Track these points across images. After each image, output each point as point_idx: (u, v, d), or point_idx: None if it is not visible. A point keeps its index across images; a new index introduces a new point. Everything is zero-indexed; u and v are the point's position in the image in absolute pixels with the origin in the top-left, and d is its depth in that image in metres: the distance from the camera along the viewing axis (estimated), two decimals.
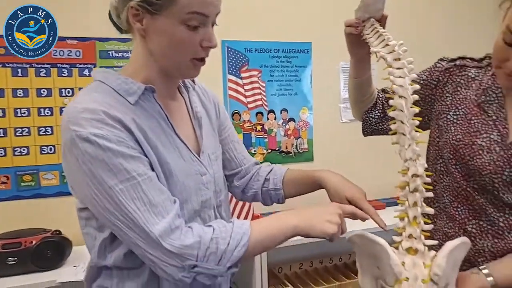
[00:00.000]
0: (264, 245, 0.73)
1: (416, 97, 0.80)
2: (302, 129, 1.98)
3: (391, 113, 0.82)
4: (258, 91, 1.86)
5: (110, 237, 0.71)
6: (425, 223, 0.80)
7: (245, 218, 1.70)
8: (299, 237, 1.73)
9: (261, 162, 1.04)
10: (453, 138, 0.91)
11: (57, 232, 1.35)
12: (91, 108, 0.65)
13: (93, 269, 0.76)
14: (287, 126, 1.95)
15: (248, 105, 1.85)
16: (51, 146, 1.52)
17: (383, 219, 0.90)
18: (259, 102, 1.87)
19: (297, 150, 1.96)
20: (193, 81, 0.88)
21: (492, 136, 0.87)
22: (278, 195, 0.97)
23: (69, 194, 1.51)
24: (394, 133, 0.81)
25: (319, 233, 0.76)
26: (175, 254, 0.65)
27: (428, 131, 1.04)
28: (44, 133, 1.50)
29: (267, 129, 1.90)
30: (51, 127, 1.52)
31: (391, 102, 0.81)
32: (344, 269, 1.88)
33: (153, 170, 0.69)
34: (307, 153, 1.99)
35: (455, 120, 0.93)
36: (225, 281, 0.84)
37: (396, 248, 0.83)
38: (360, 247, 0.85)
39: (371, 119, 1.07)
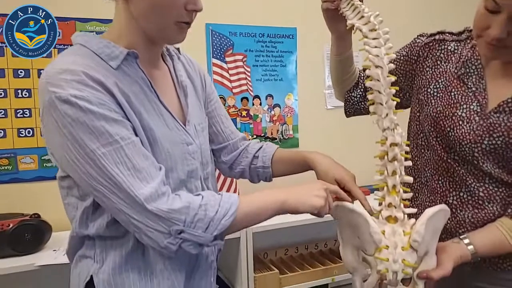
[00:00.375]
0: (252, 218, 0.72)
1: (392, 66, 0.80)
2: (287, 115, 1.97)
3: (367, 83, 0.81)
4: (243, 76, 1.85)
5: (92, 206, 0.69)
6: (404, 191, 0.81)
7: None
8: (285, 220, 1.73)
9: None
10: (434, 111, 0.91)
11: (36, 216, 1.32)
12: (71, 69, 0.62)
13: (75, 239, 0.74)
14: (272, 112, 1.94)
15: (233, 90, 1.83)
16: (29, 129, 1.48)
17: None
18: (244, 87, 1.85)
19: (282, 136, 1.96)
20: (178, 50, 0.86)
21: (472, 107, 0.88)
22: (266, 173, 0.95)
23: (49, 179, 1.51)
24: (372, 103, 0.81)
25: (307, 207, 0.75)
26: (161, 218, 0.63)
27: (409, 108, 1.05)
28: (21, 116, 1.46)
29: (252, 114, 1.89)
30: (29, 109, 1.48)
31: (367, 72, 0.81)
32: (330, 254, 1.89)
33: (136, 135, 0.67)
34: (293, 139, 1.98)
35: (435, 93, 0.94)
36: (211, 252, 0.82)
37: (376, 217, 0.83)
38: (340, 218, 0.84)
39: (353, 98, 1.07)
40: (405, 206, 0.81)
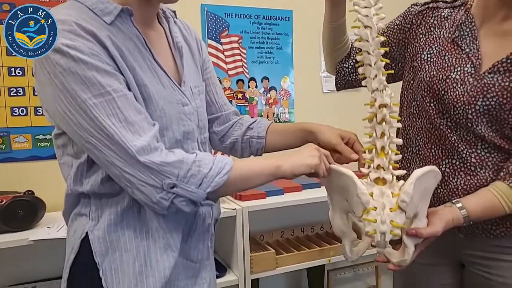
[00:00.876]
0: (246, 181, 0.72)
1: (382, 25, 0.79)
2: (283, 98, 1.97)
3: (356, 44, 0.81)
4: (238, 57, 1.84)
5: (86, 162, 0.69)
6: (394, 154, 0.80)
7: None
8: (281, 200, 1.71)
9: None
10: (427, 76, 0.91)
11: (30, 192, 1.32)
12: (63, 19, 0.62)
13: (70, 198, 0.73)
14: (268, 95, 1.93)
15: (228, 71, 1.82)
16: (22, 108, 1.48)
17: None
18: (240, 69, 1.85)
19: (278, 119, 1.95)
20: (174, 13, 0.85)
21: (466, 69, 0.87)
22: (259, 144, 0.94)
23: (43, 158, 1.51)
24: (362, 65, 0.80)
25: (302, 167, 0.75)
26: (153, 171, 0.63)
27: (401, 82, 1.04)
28: (15, 94, 1.46)
29: (248, 97, 1.89)
30: (22, 87, 1.47)
31: (356, 31, 0.80)
32: (326, 237, 1.88)
33: (130, 90, 0.66)
34: (288, 122, 1.97)
35: (429, 59, 0.93)
36: (209, 215, 0.82)
37: (364, 179, 0.82)
38: (328, 181, 0.84)
39: (344, 69, 1.06)
40: (395, 169, 0.81)
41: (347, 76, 1.06)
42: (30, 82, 1.47)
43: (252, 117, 0.98)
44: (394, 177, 0.79)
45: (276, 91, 1.95)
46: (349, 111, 1.90)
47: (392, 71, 0.81)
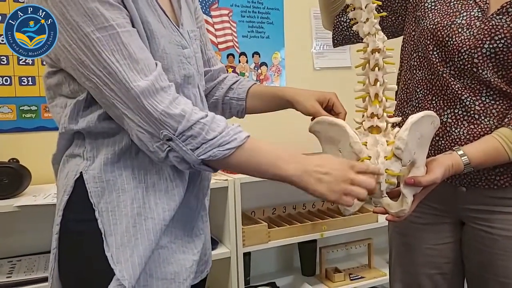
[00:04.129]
0: (249, 168, 0.67)
1: None
2: (274, 74, 1.95)
3: None
4: (229, 31, 1.81)
5: (85, 101, 0.66)
6: (387, 100, 0.79)
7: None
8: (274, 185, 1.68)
9: None
10: (431, 23, 0.89)
11: (15, 160, 1.28)
12: None
13: (62, 138, 0.70)
14: (259, 71, 1.91)
15: (218, 45, 1.80)
16: (6, 77, 1.43)
17: None
18: (230, 43, 1.82)
19: None
20: None
21: (472, 13, 0.85)
22: (239, 106, 0.92)
23: (28, 130, 1.47)
24: (353, 9, 0.79)
25: (315, 193, 0.68)
26: (154, 119, 0.61)
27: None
28: None
29: (238, 72, 1.86)
30: (6, 56, 1.43)
31: None
32: (318, 213, 1.88)
33: (133, 27, 0.64)
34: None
35: (432, 7, 0.91)
36: (206, 179, 0.80)
37: (358, 129, 0.81)
38: (321, 133, 0.83)
39: (342, 23, 1.04)
40: (390, 116, 0.79)
41: (344, 30, 1.04)
42: None
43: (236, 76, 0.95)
44: (389, 125, 0.78)
45: (267, 67, 1.92)
46: (340, 88, 1.87)
47: (385, 14, 0.79)
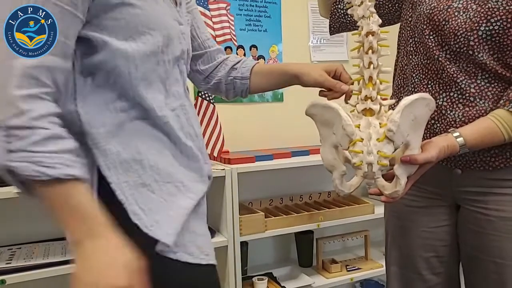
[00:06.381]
0: (55, 209, 0.58)
1: None
2: None
3: None
4: (227, 24, 1.82)
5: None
6: (381, 82, 0.80)
7: (216, 156, 1.68)
8: (270, 163, 1.67)
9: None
10: (427, 8, 0.90)
11: None
12: None
13: None
14: None
15: (216, 38, 1.81)
16: None
17: None
18: (228, 36, 1.83)
19: None
20: None
21: None
22: (243, 84, 0.93)
23: None
24: None
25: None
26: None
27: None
28: None
29: None
30: None
31: None
32: (315, 205, 1.90)
33: None
34: (277, 92, 1.97)
35: None
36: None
37: (352, 112, 0.83)
38: (317, 116, 0.84)
39: (339, 10, 1.05)
40: (384, 99, 0.81)
41: (341, 17, 1.05)
42: None
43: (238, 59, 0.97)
44: (382, 107, 0.80)
45: (264, 60, 1.94)
46: None
47: None
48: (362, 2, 0.77)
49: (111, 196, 0.65)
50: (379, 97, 0.79)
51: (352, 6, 0.79)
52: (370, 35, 0.77)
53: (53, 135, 0.56)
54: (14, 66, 0.56)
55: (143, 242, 0.64)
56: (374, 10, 0.77)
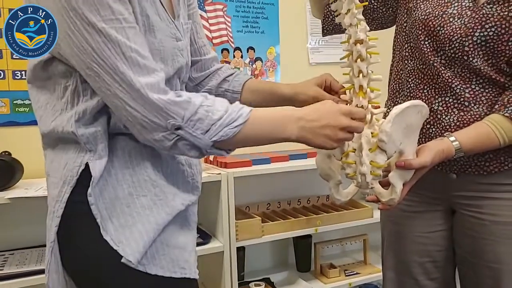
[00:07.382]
0: (256, 140, 0.69)
1: None
2: (269, 69, 1.94)
3: None
4: (223, 26, 1.81)
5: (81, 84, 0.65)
6: (372, 91, 0.78)
7: (213, 160, 1.67)
8: (267, 167, 1.65)
9: None
10: (423, 14, 0.89)
11: (7, 153, 1.28)
12: None
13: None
14: (254, 66, 1.91)
15: (213, 40, 1.79)
16: (0, 71, 1.43)
17: None
18: (225, 38, 1.82)
19: None
20: None
21: (464, 3, 0.86)
22: (234, 98, 0.91)
23: (21, 124, 1.47)
24: (334, 1, 0.79)
25: (315, 146, 0.71)
26: (159, 109, 0.61)
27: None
28: None
29: (233, 67, 1.86)
30: (0, 50, 1.43)
31: None
32: (312, 209, 1.88)
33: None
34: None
35: None
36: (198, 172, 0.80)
37: None
38: None
39: (332, 13, 1.03)
40: (376, 107, 0.79)
41: (334, 20, 1.04)
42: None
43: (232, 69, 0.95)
44: (374, 116, 0.78)
45: (262, 62, 1.92)
46: None
47: (367, 3, 0.79)
48: (349, 10, 0.75)
49: (86, 208, 0.66)
50: (370, 106, 0.78)
51: (340, 14, 0.77)
52: (358, 44, 0.75)
53: (211, 100, 0.65)
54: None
55: (115, 254, 0.65)
56: (362, 17, 0.75)
